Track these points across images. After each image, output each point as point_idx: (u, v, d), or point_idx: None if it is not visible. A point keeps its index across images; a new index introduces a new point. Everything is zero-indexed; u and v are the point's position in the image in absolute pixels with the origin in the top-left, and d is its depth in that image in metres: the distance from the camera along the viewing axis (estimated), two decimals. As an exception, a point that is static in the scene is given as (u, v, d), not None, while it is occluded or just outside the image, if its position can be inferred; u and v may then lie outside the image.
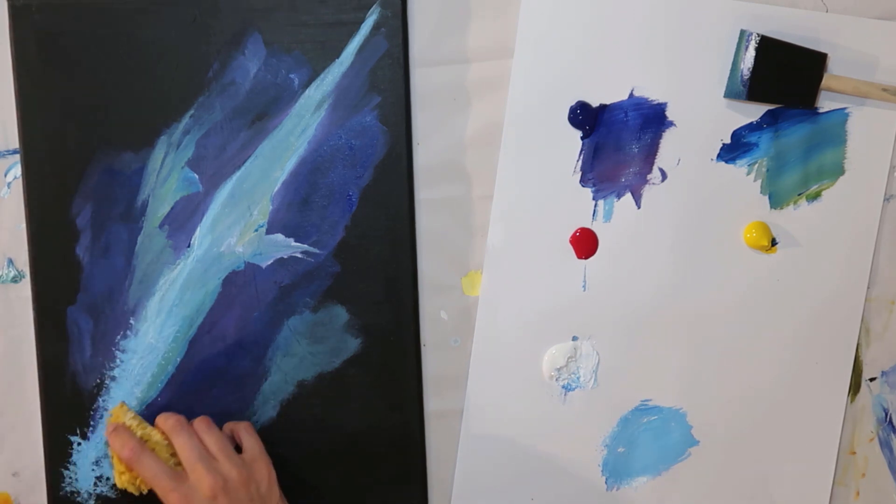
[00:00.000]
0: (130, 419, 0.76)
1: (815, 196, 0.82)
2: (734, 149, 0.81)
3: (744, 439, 0.83)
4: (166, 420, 0.76)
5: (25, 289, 0.81)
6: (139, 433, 0.75)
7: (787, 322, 0.82)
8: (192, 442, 0.74)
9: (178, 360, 0.80)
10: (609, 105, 0.80)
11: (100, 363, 0.80)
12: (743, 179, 0.81)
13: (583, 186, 0.81)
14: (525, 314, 0.82)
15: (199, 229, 0.80)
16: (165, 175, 0.80)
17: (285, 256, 0.80)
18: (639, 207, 0.81)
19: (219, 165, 0.80)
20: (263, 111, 0.80)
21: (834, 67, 0.80)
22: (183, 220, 0.80)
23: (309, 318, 0.80)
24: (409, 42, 0.80)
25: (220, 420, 0.80)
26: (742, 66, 0.79)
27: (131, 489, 0.76)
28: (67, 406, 0.80)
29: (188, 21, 0.79)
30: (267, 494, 0.74)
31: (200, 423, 0.76)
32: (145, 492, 0.76)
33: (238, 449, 0.77)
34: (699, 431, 0.83)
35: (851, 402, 0.84)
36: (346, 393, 0.81)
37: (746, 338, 0.82)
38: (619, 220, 0.81)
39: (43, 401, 0.81)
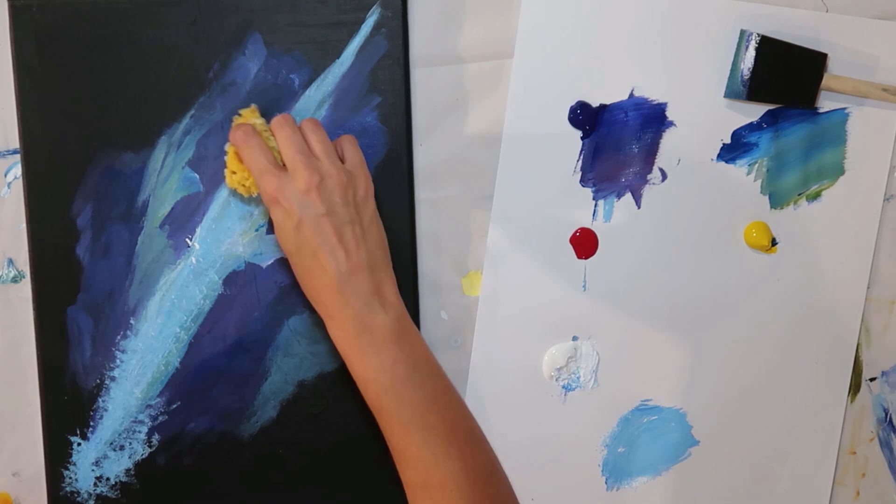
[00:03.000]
0: (255, 119, 0.75)
1: (815, 196, 0.82)
2: (734, 149, 0.81)
3: (744, 439, 0.83)
4: (273, 120, 0.73)
5: (25, 289, 0.81)
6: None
7: (787, 322, 0.82)
8: (296, 137, 0.72)
9: (179, 360, 0.80)
10: (609, 105, 0.80)
11: (100, 363, 0.80)
12: (743, 179, 0.81)
13: (583, 186, 0.81)
14: (525, 314, 0.82)
15: (199, 229, 0.80)
16: (166, 175, 0.80)
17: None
18: (639, 207, 0.81)
19: (219, 165, 0.80)
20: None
21: (834, 67, 0.80)
22: (183, 220, 0.80)
23: (309, 319, 0.80)
24: (410, 42, 0.80)
25: (219, 420, 0.80)
26: (742, 66, 0.79)
27: (240, 189, 0.74)
28: (67, 406, 0.80)
29: (189, 21, 0.79)
30: (362, 203, 0.72)
31: (307, 123, 0.74)
32: (254, 194, 0.74)
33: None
34: (699, 431, 0.83)
35: (851, 402, 0.84)
36: (347, 393, 0.81)
37: (746, 338, 0.82)
38: (619, 220, 0.81)
39: (43, 401, 0.81)
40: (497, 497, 0.70)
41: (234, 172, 0.75)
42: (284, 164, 0.72)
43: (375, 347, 0.69)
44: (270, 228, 0.75)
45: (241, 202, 0.80)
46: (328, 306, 0.70)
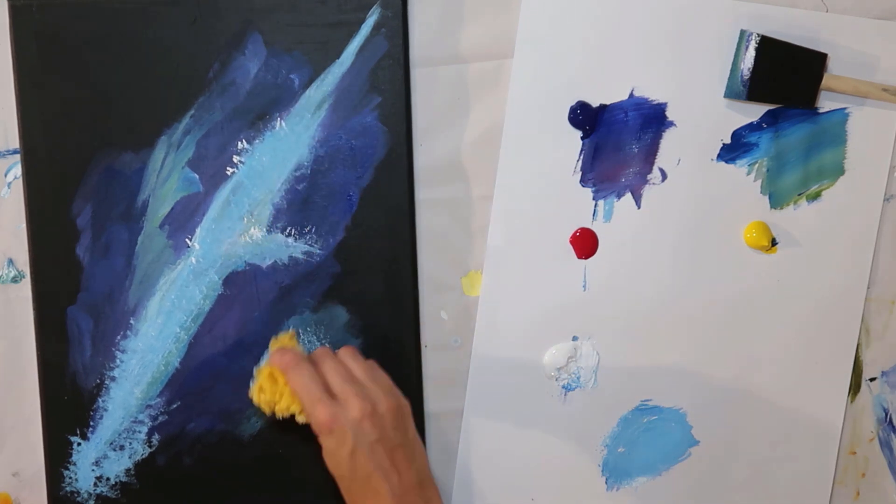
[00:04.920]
0: (294, 345, 0.76)
1: (815, 196, 0.82)
2: (734, 149, 0.81)
3: (744, 439, 0.83)
4: (315, 352, 0.75)
5: (25, 289, 0.81)
6: None
7: (787, 322, 0.82)
8: (340, 366, 0.73)
9: (179, 360, 0.80)
10: (609, 105, 0.80)
11: (100, 363, 0.80)
12: (743, 179, 0.81)
13: (583, 186, 0.81)
14: (525, 314, 0.82)
15: (199, 229, 0.80)
16: (166, 175, 0.80)
17: (286, 256, 0.80)
18: (639, 207, 0.81)
19: (219, 166, 0.80)
20: (264, 111, 0.80)
21: (834, 67, 0.80)
22: (183, 220, 0.80)
23: (309, 319, 0.80)
24: (410, 42, 0.80)
25: (219, 420, 0.80)
26: (742, 66, 0.79)
27: (265, 408, 0.74)
28: (67, 406, 0.80)
29: (189, 21, 0.79)
30: (407, 423, 0.73)
31: (346, 351, 0.76)
32: (277, 416, 0.74)
33: None
34: (699, 431, 0.83)
35: (851, 402, 0.84)
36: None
37: (746, 338, 0.82)
38: (619, 220, 0.81)
39: (43, 401, 0.81)
40: None
41: (262, 390, 0.74)
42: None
43: None
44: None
45: (240, 202, 0.80)
46: None
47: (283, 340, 0.76)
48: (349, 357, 0.75)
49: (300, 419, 0.73)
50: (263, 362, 0.77)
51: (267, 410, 0.74)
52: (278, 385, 0.73)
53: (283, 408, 0.73)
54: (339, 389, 0.72)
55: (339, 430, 0.70)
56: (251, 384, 0.75)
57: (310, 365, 0.73)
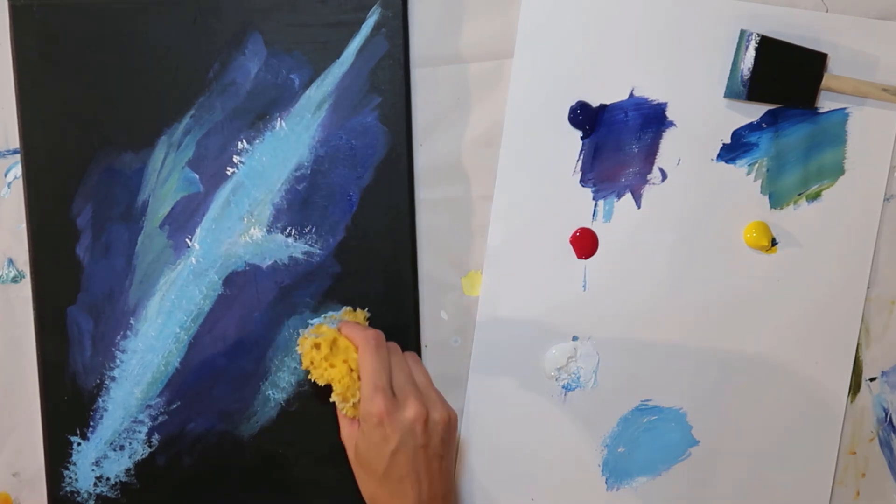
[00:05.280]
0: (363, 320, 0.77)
1: (815, 196, 0.82)
2: (734, 149, 0.81)
3: (744, 439, 0.83)
4: (388, 343, 0.75)
5: (25, 289, 0.81)
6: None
7: (787, 322, 0.82)
8: (406, 367, 0.74)
9: (179, 360, 0.80)
10: (609, 105, 0.80)
11: (100, 363, 0.80)
12: (743, 179, 0.81)
13: (583, 186, 0.81)
14: (525, 314, 0.82)
15: (199, 229, 0.80)
16: (166, 175, 0.80)
17: (286, 256, 0.80)
18: (639, 207, 0.81)
19: (219, 166, 0.80)
20: (264, 111, 0.80)
21: (834, 67, 0.80)
22: (183, 220, 0.80)
23: (309, 318, 0.80)
24: (410, 42, 0.80)
25: (219, 420, 0.80)
26: (742, 66, 0.79)
27: (313, 372, 0.74)
28: (67, 406, 0.80)
29: (189, 21, 0.79)
30: (451, 438, 0.74)
31: (411, 355, 0.76)
32: (313, 380, 0.74)
33: None
34: (699, 431, 0.83)
35: (851, 402, 0.84)
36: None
37: (746, 338, 0.82)
38: (619, 220, 0.81)
39: (43, 401, 0.81)
40: None
41: (317, 348, 0.74)
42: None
43: None
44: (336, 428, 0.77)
45: (240, 202, 0.80)
46: None
47: (357, 316, 0.77)
48: (413, 361, 0.75)
49: (335, 398, 0.73)
50: (328, 322, 0.77)
51: (312, 370, 0.74)
52: (337, 355, 0.73)
53: (329, 377, 0.73)
54: (400, 387, 0.72)
55: (389, 427, 0.70)
56: (302, 333, 0.75)
57: (386, 353, 0.73)
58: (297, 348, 0.76)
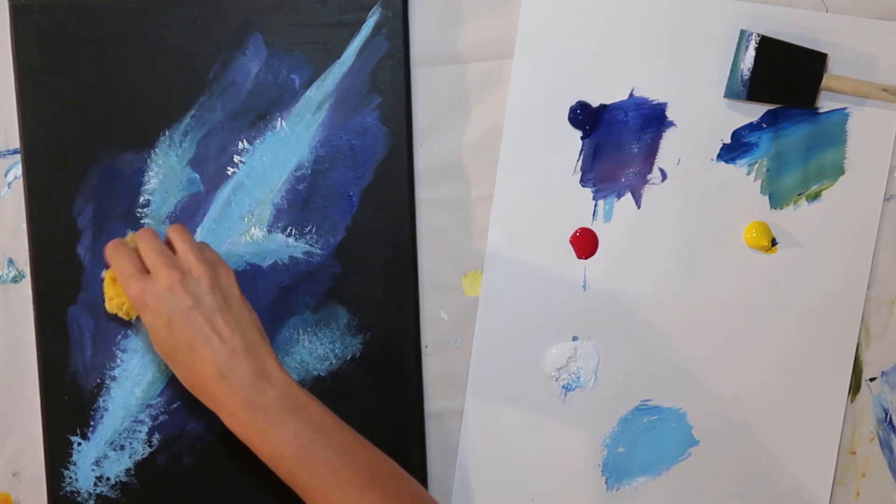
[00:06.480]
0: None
1: (815, 196, 0.82)
2: (734, 149, 0.81)
3: (744, 439, 0.83)
4: (136, 233, 0.74)
5: (25, 289, 0.81)
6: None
7: (787, 322, 0.83)
8: (155, 242, 0.72)
9: (179, 359, 0.80)
10: (609, 105, 0.81)
11: (100, 363, 0.80)
12: (743, 179, 0.81)
13: (583, 186, 0.81)
14: (525, 314, 0.82)
15: (199, 229, 0.80)
16: (166, 175, 0.80)
17: (286, 256, 0.80)
18: (639, 207, 0.81)
19: (220, 165, 0.80)
20: (264, 111, 0.80)
21: (834, 67, 0.80)
22: (184, 220, 0.80)
23: (309, 319, 0.80)
24: (410, 42, 0.80)
25: (219, 421, 0.80)
26: (742, 66, 0.79)
27: (121, 314, 0.74)
28: (67, 406, 0.80)
29: (189, 21, 0.79)
30: (227, 289, 0.71)
31: (172, 228, 0.74)
32: (133, 317, 0.74)
33: None
34: (699, 431, 0.83)
35: (851, 402, 0.84)
36: (346, 393, 0.81)
37: (746, 338, 0.83)
38: (619, 220, 0.81)
39: (43, 401, 0.81)
40: None
41: (111, 298, 0.74)
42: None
43: (272, 423, 0.68)
44: (148, 343, 0.76)
45: (241, 202, 0.80)
46: (216, 397, 0.69)
47: (128, 239, 0.76)
48: (174, 233, 0.73)
49: (113, 310, 0.73)
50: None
51: (124, 316, 0.74)
52: (118, 286, 0.73)
53: (130, 307, 0.73)
54: (150, 263, 0.71)
55: (152, 302, 0.69)
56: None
57: (126, 247, 0.72)
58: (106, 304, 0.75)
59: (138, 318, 0.73)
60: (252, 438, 0.69)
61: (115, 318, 0.75)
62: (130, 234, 0.76)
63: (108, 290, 0.74)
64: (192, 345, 0.69)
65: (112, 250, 0.72)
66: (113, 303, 0.74)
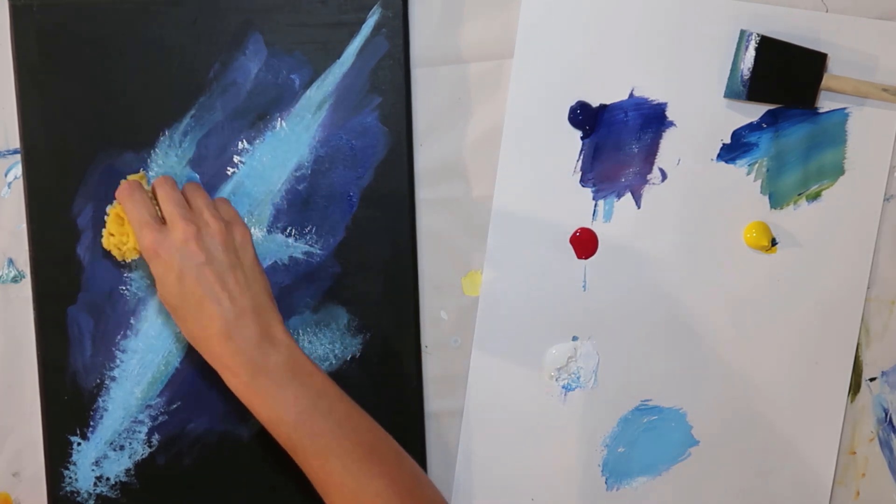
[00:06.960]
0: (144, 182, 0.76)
1: (815, 196, 0.82)
2: (734, 149, 0.81)
3: (744, 439, 0.83)
4: (154, 180, 0.74)
5: (25, 289, 0.81)
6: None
7: (787, 322, 0.82)
8: (174, 193, 0.72)
9: (179, 360, 0.80)
10: (609, 105, 0.81)
11: (100, 363, 0.80)
12: (743, 179, 0.81)
13: (583, 186, 0.81)
14: (525, 314, 0.82)
15: (199, 229, 0.80)
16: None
17: (286, 257, 0.80)
18: (639, 207, 0.81)
19: (220, 165, 0.80)
20: (264, 111, 0.80)
21: (834, 67, 0.80)
22: (183, 219, 0.80)
23: (309, 319, 0.81)
24: (410, 42, 0.80)
25: (219, 420, 0.80)
26: (742, 66, 0.79)
27: (115, 252, 0.74)
28: (67, 406, 0.80)
29: (189, 21, 0.79)
30: (241, 248, 0.71)
31: (189, 185, 0.75)
32: (127, 259, 0.74)
33: None
34: (699, 431, 0.83)
35: (851, 402, 0.84)
36: (346, 393, 0.81)
37: (746, 338, 0.83)
38: (619, 220, 0.81)
39: (43, 401, 0.81)
40: (426, 503, 0.70)
41: (111, 235, 0.74)
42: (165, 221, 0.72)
43: (275, 387, 0.68)
44: (153, 289, 0.76)
45: (241, 202, 0.80)
46: (220, 356, 0.69)
47: (137, 176, 0.76)
48: (190, 189, 0.74)
49: (111, 249, 0.74)
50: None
51: (117, 255, 0.74)
52: (125, 226, 0.73)
53: (130, 248, 0.73)
54: (167, 214, 0.71)
55: (164, 254, 0.69)
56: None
57: (144, 193, 0.72)
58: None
59: (133, 260, 0.73)
60: (253, 400, 0.69)
61: (106, 254, 0.75)
62: (142, 173, 0.75)
63: (111, 226, 0.74)
64: (200, 301, 0.69)
65: (128, 193, 0.72)
66: (111, 240, 0.74)
